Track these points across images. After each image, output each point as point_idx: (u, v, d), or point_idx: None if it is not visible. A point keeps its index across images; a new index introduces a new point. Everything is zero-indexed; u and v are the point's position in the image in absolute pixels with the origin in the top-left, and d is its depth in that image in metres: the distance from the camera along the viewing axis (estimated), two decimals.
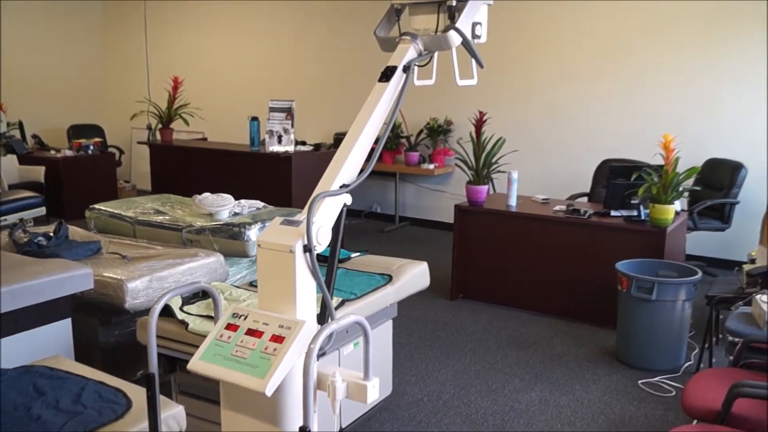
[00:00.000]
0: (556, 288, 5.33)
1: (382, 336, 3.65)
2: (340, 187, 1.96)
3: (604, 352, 4.69)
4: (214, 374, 1.73)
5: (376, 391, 1.74)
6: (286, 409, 1.76)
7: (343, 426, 3.47)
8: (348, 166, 1.98)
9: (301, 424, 1.57)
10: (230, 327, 1.81)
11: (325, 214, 1.89)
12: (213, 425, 3.11)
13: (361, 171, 2.05)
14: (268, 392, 1.64)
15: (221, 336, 1.80)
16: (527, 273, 5.44)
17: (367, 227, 8.27)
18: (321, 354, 1.81)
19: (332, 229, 1.92)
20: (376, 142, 2.06)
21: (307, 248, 1.79)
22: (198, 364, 1.76)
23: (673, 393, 4.11)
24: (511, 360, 4.56)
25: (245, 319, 1.80)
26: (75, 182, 8.41)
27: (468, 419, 3.79)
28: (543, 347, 4.78)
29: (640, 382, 4.26)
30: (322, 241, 1.84)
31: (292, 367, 1.72)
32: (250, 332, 1.76)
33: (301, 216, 1.86)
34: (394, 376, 3.95)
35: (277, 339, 1.71)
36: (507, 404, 3.96)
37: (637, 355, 4.48)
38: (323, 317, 1.85)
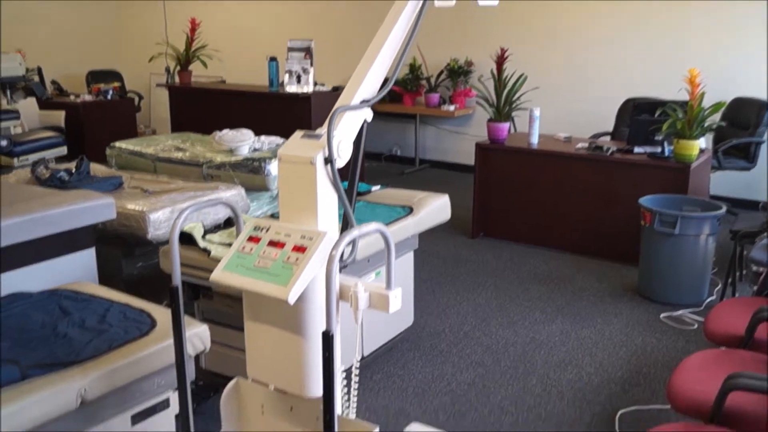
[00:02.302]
0: (578, 225, 5.30)
1: (403, 268, 3.66)
2: (361, 102, 1.93)
3: (627, 288, 4.68)
4: (236, 284, 1.73)
5: (398, 301, 1.73)
6: (308, 317, 1.76)
7: (365, 354, 3.50)
8: (368, 81, 1.95)
9: (323, 330, 1.57)
10: (252, 239, 1.80)
11: (345, 128, 1.86)
12: (236, 351, 3.15)
13: (382, 87, 2.02)
14: (291, 300, 1.64)
15: (243, 248, 1.80)
16: (549, 211, 5.41)
17: (387, 170, 8.25)
18: (343, 267, 1.80)
19: (353, 144, 1.90)
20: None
21: (328, 160, 1.77)
22: (221, 274, 1.77)
23: (696, 326, 4.10)
24: (532, 294, 4.56)
25: (267, 231, 1.80)
26: (95, 127, 8.42)
27: (489, 349, 3.81)
28: (564, 282, 4.77)
29: (662, 315, 4.25)
30: (342, 155, 1.82)
31: (314, 277, 1.72)
32: (272, 243, 1.76)
33: (322, 130, 1.84)
34: (415, 309, 3.97)
35: (299, 249, 1.71)
36: (528, 335, 3.97)
37: (659, 290, 4.46)
38: (345, 229, 1.84)
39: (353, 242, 1.86)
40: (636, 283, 4.68)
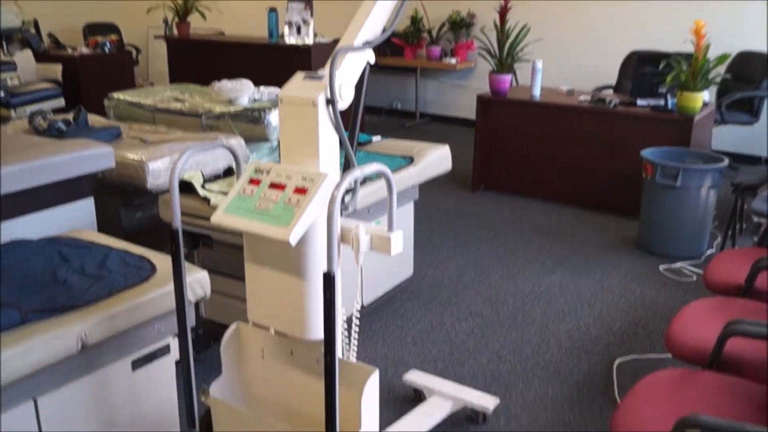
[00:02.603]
0: (579, 179, 5.28)
1: (404, 218, 3.65)
2: (363, 43, 1.90)
3: (626, 241, 4.68)
4: (237, 226, 1.72)
5: (399, 243, 1.72)
6: (309, 259, 1.76)
7: (365, 304, 3.51)
8: (370, 22, 1.91)
9: (324, 271, 1.56)
10: (253, 182, 1.79)
11: (347, 70, 1.84)
12: (236, 300, 3.16)
13: (384, 30, 1.98)
14: (293, 241, 1.63)
15: (244, 190, 1.78)
16: (550, 164, 5.38)
17: (388, 124, 8.19)
18: (344, 210, 1.79)
19: (355, 86, 1.87)
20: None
21: (330, 101, 1.74)
22: (221, 217, 1.76)
23: (694, 279, 4.12)
24: (532, 247, 4.57)
25: (268, 174, 1.78)
26: (92, 81, 8.32)
27: (488, 300, 3.82)
28: (565, 235, 4.77)
29: (661, 267, 4.26)
30: (344, 97, 1.80)
31: (315, 219, 1.71)
32: (273, 186, 1.74)
33: (324, 71, 1.81)
34: (414, 261, 3.97)
35: (300, 191, 1.69)
36: (527, 287, 3.99)
37: (659, 243, 4.46)
38: (346, 171, 1.83)
39: (354, 184, 1.85)
40: (636, 236, 4.68)
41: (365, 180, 3.22)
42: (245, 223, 1.72)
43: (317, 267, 1.76)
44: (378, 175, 3.30)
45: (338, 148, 1.82)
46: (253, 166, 1.82)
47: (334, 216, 1.54)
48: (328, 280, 1.56)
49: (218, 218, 1.76)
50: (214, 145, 1.89)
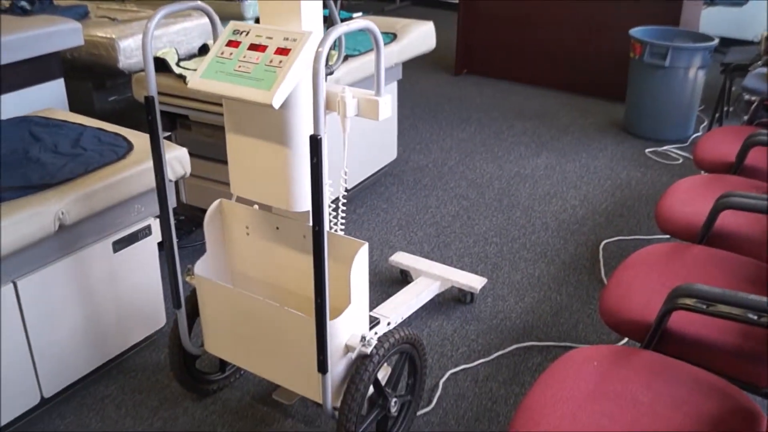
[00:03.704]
0: (564, 62, 5.15)
1: None
2: None
3: (612, 124, 4.61)
4: (216, 90, 1.62)
5: (388, 108, 1.63)
6: (294, 124, 1.67)
7: (348, 188, 3.45)
8: None
9: (311, 134, 1.48)
10: (231, 44, 1.67)
11: None
12: (217, 184, 3.08)
13: None
14: (276, 104, 1.54)
15: (222, 53, 1.67)
16: (535, 47, 5.23)
17: (366, 8, 7.90)
18: (329, 73, 1.69)
19: None
20: None
21: None
22: (199, 81, 1.65)
23: (681, 161, 4.08)
24: (516, 130, 4.49)
25: (247, 35, 1.66)
26: None
27: (473, 183, 3.77)
28: (549, 119, 4.69)
29: (647, 150, 4.22)
30: None
31: (299, 83, 1.61)
32: (253, 47, 1.63)
33: None
34: (398, 145, 3.89)
35: (283, 51, 1.58)
36: (512, 170, 3.93)
37: (645, 126, 4.39)
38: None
39: (339, 43, 1.74)
40: (622, 120, 4.61)
41: (347, 56, 3.09)
42: (224, 87, 1.61)
43: (303, 133, 1.67)
44: (360, 51, 3.18)
45: (321, 7, 1.70)
46: (231, 27, 1.70)
47: (320, 75, 1.44)
48: (315, 143, 1.47)
49: (195, 83, 1.65)
50: (188, 5, 1.75)
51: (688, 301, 1.63)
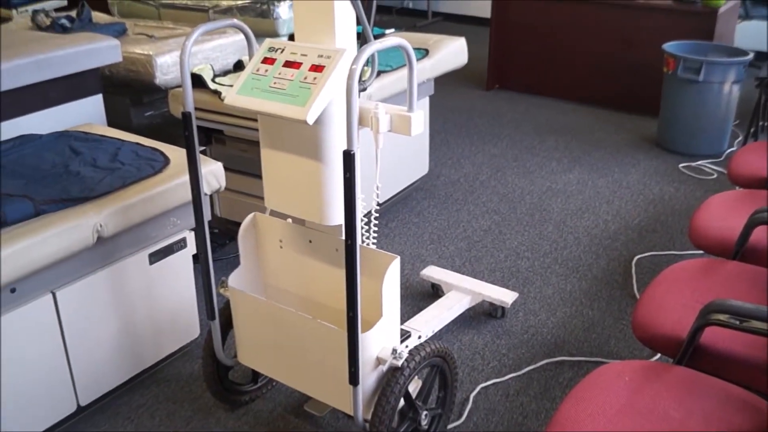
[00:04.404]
0: (597, 76, 5.14)
1: None
2: None
3: (645, 139, 4.59)
4: (251, 106, 1.65)
5: (420, 124, 1.66)
6: (327, 139, 1.70)
7: (381, 202, 3.47)
8: None
9: (344, 149, 1.50)
10: (267, 61, 1.71)
11: None
12: (251, 198, 3.12)
13: None
14: (310, 120, 1.57)
15: (258, 70, 1.70)
16: (567, 61, 5.23)
17: (398, 24, 7.95)
18: (362, 89, 1.71)
19: None
20: None
21: None
22: (235, 98, 1.68)
23: (715, 176, 4.04)
24: (548, 145, 4.48)
25: (282, 52, 1.70)
26: None
27: (505, 198, 3.77)
28: (582, 134, 4.67)
29: (680, 165, 4.18)
30: None
31: (332, 99, 1.64)
32: (288, 64, 1.67)
33: None
34: (430, 159, 3.91)
35: (317, 68, 1.61)
36: (544, 185, 3.93)
37: (678, 140, 4.37)
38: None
39: (372, 60, 1.77)
40: (655, 135, 4.58)
41: (380, 72, 3.12)
42: (260, 103, 1.65)
43: (336, 148, 1.70)
44: (393, 67, 3.21)
45: (354, 24, 1.73)
46: (267, 45, 1.74)
47: (353, 90, 1.46)
48: (348, 158, 1.50)
49: (231, 99, 1.69)
50: (225, 24, 1.80)
51: (721, 317, 1.62)
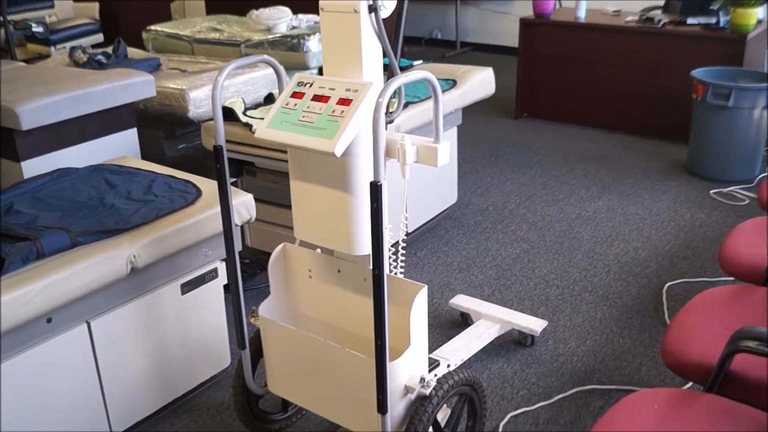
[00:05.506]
0: (625, 103, 5.14)
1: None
2: None
3: (675, 165, 4.56)
4: (281, 139, 1.69)
5: (446, 154, 1.68)
6: (355, 171, 1.73)
7: (409, 231, 3.49)
8: None
9: (371, 180, 1.53)
10: (296, 95, 1.75)
11: None
12: (281, 228, 3.16)
13: None
14: (338, 152, 1.60)
15: (287, 104, 1.75)
16: (595, 89, 5.24)
17: (428, 54, 8.03)
18: (389, 122, 1.75)
19: None
20: None
21: (372, 8, 1.69)
22: (265, 131, 1.73)
23: (747, 202, 4.01)
24: (577, 173, 4.48)
25: (311, 86, 1.74)
26: (129, 19, 8.27)
27: (534, 226, 3.78)
28: (611, 161, 4.67)
29: (711, 192, 4.16)
30: (387, 4, 1.74)
31: (360, 131, 1.67)
32: (317, 98, 1.71)
33: None
34: (458, 188, 3.93)
35: (344, 102, 1.65)
36: (573, 212, 3.92)
37: (709, 166, 4.34)
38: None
39: (399, 93, 1.80)
40: (684, 161, 4.56)
41: (408, 103, 3.16)
42: (289, 136, 1.69)
43: (363, 180, 1.73)
44: (420, 98, 3.25)
45: (381, 58, 1.77)
46: (296, 80, 1.78)
47: (380, 122, 1.50)
48: (375, 189, 1.53)
49: (262, 133, 1.74)
50: (256, 59, 1.85)
51: (751, 344, 1.61)
